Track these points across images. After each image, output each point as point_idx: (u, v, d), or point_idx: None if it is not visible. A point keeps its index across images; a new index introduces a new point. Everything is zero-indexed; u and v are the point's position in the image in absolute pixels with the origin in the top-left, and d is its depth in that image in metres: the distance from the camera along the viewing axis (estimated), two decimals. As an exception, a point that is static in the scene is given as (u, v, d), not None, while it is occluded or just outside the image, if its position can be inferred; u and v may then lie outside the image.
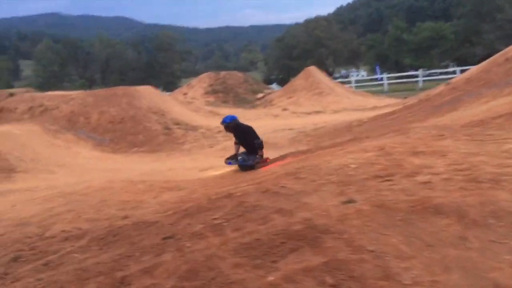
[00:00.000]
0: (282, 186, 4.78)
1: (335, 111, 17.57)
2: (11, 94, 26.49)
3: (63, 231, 5.90)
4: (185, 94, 20.65)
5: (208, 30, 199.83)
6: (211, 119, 17.19)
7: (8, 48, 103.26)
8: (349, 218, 3.11)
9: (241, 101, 20.18)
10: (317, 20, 74.24)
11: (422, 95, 15.92)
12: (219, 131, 15.22)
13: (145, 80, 54.38)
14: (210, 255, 3.23)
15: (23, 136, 13.89)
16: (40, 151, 13.25)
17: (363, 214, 3.14)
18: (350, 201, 3.46)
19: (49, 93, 18.56)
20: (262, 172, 6.91)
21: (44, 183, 10.25)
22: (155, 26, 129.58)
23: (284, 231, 3.17)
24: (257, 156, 8.03)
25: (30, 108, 16.47)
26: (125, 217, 6.09)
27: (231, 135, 8.36)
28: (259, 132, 14.23)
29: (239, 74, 22.87)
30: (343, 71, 75.16)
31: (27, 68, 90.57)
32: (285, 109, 18.01)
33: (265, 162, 8.04)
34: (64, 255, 4.75)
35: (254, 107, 19.58)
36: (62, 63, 70.99)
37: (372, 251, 2.64)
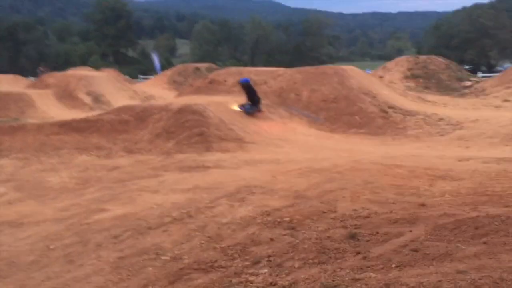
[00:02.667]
0: None
1: None
2: (197, 69, 28.11)
3: (354, 210, 5.30)
4: (381, 77, 19.56)
5: (353, 16, 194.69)
6: (421, 105, 15.85)
7: (167, 28, 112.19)
8: None
9: (445, 88, 18.44)
10: (482, 7, 67.98)
11: None
12: (440, 119, 13.87)
13: (291, 64, 54.46)
14: None
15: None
16: (259, 124, 13.27)
17: None
18: None
19: (255, 68, 18.83)
20: None
21: (278, 156, 10.03)
22: (302, 10, 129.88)
23: None
24: (258, 107, 13.03)
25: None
26: (422, 205, 5.33)
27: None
28: (493, 122, 12.61)
29: (440, 59, 21.01)
30: (506, 65, 67.77)
31: (181, 46, 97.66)
32: (506, 100, 15.94)
33: (260, 112, 13.10)
34: (426, 242, 4.11)
35: (462, 95, 17.74)
36: (216, 43, 74.72)
37: None
